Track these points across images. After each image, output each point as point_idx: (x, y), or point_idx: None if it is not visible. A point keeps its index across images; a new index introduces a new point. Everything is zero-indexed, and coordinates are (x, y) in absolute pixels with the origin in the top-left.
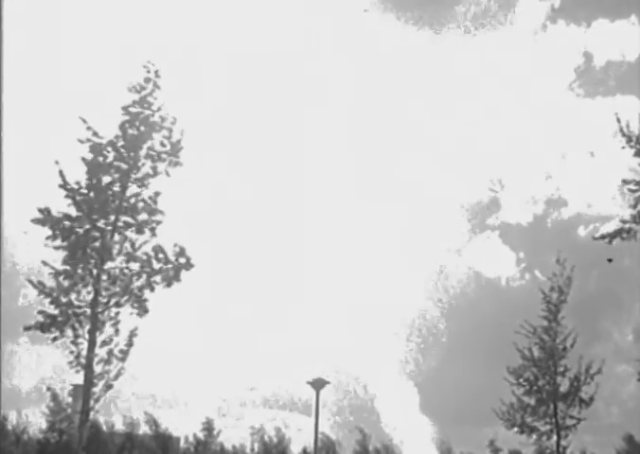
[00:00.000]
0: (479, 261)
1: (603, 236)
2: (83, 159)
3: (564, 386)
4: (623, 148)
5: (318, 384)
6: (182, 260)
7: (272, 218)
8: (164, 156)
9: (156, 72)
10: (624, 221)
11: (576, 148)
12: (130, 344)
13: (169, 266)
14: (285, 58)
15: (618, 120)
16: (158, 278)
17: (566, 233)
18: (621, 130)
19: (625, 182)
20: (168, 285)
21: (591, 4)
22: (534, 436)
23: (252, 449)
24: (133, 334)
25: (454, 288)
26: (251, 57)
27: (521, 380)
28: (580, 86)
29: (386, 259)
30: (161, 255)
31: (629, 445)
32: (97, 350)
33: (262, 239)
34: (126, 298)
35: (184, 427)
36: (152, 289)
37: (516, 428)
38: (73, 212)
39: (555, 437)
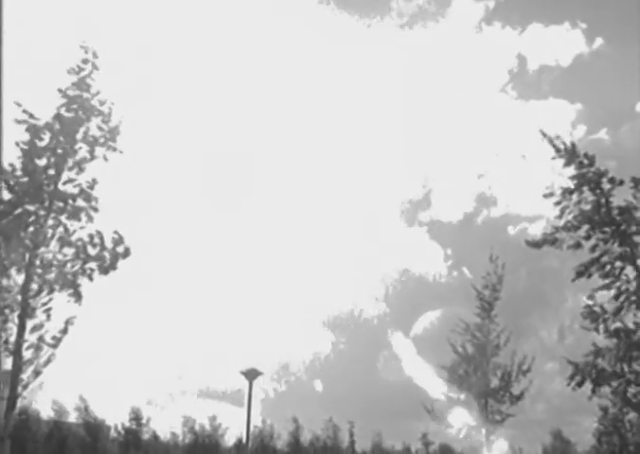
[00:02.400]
0: (408, 257)
1: (533, 243)
2: (17, 143)
3: (495, 382)
4: (553, 158)
5: (251, 375)
6: (119, 248)
7: (213, 211)
8: (101, 141)
9: (94, 53)
10: (554, 228)
11: (507, 148)
12: (64, 331)
13: (106, 253)
14: (218, 47)
15: (544, 134)
16: (94, 265)
17: (495, 231)
18: (551, 141)
19: (546, 195)
20: (105, 272)
21: (526, 8)
22: (463, 430)
23: (183, 439)
24: (69, 322)
25: (384, 283)
26: (197, 48)
27: (454, 377)
28: (514, 88)
29: (319, 255)
30: (97, 242)
31: (556, 440)
32: (26, 336)
33: (203, 231)
34: (60, 284)
35: (114, 416)
36: (90, 277)
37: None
38: (6, 196)
39: (483, 431)
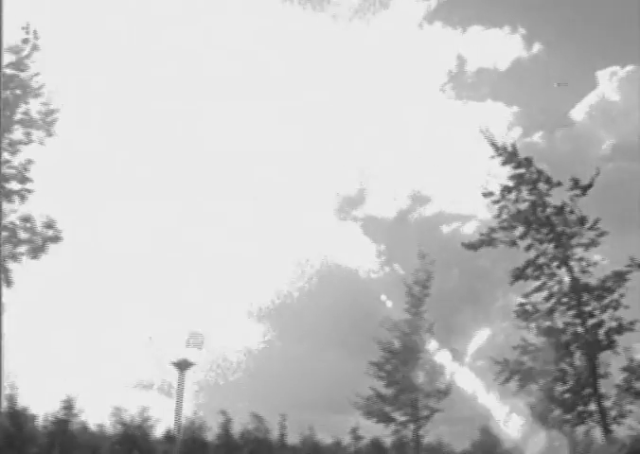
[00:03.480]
0: (341, 251)
1: (470, 245)
2: None
3: (423, 378)
4: (492, 157)
5: (183, 365)
6: (50, 232)
7: (145, 201)
8: (39, 124)
9: (35, 33)
10: (490, 230)
11: (444, 148)
12: None
13: (36, 237)
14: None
15: (485, 132)
16: (24, 249)
17: (429, 229)
18: (491, 141)
19: (486, 194)
20: (35, 257)
21: (467, 10)
22: (392, 426)
23: (113, 429)
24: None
25: (315, 277)
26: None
27: (381, 373)
28: (453, 88)
29: (253, 247)
30: (28, 225)
31: (484, 436)
32: None
33: (135, 218)
34: None
35: (43, 406)
36: (19, 261)
37: (375, 418)
38: None
39: (412, 426)
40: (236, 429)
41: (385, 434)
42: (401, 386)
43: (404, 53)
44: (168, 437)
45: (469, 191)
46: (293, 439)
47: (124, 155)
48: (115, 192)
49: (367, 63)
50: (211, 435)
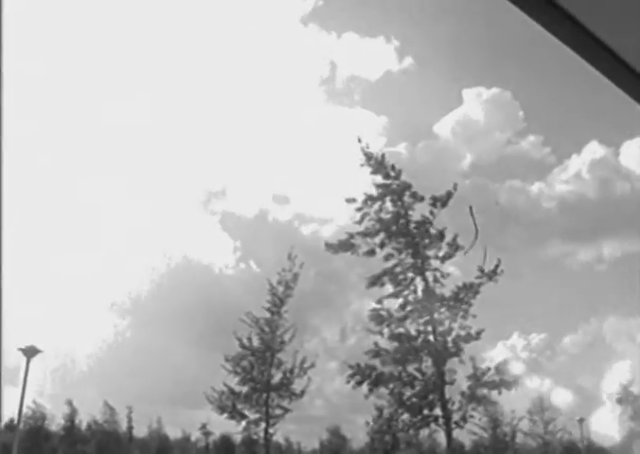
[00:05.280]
0: (199, 246)
1: (332, 246)
2: None
3: (278, 377)
4: (362, 165)
5: (30, 352)
6: None
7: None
8: None
9: None
10: (351, 235)
11: (309, 151)
12: None
13: None
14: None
15: (359, 140)
16: None
17: (287, 230)
18: (363, 149)
19: (349, 200)
20: None
21: (342, 15)
22: (243, 423)
23: None
24: None
25: (173, 271)
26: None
27: (237, 369)
28: (325, 93)
29: (111, 238)
30: None
31: (333, 436)
32: None
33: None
34: None
35: None
36: None
37: (226, 414)
38: None
39: (263, 425)
40: (85, 421)
41: (236, 431)
42: (256, 384)
43: (277, 52)
44: (10, 427)
45: (330, 195)
46: (141, 431)
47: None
48: None
49: (241, 55)
50: (56, 425)
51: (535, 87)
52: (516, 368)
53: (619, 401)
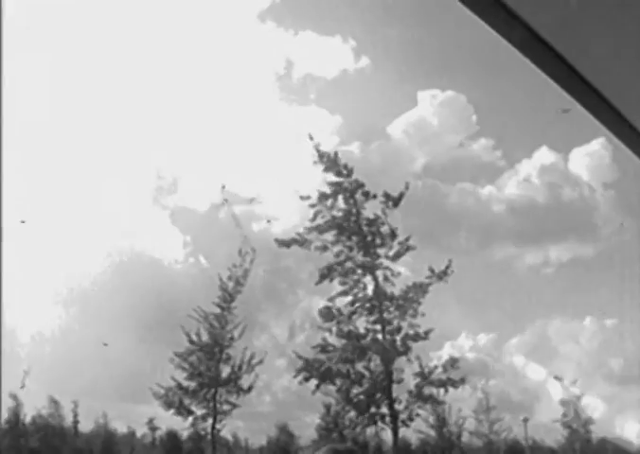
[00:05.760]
0: (148, 239)
1: (283, 242)
2: None
3: (225, 373)
4: (315, 162)
5: None
6: None
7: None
8: None
9: None
10: (304, 231)
11: (261, 147)
12: None
13: None
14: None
15: (311, 138)
16: None
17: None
18: (316, 147)
19: (303, 198)
20: None
21: (301, 13)
22: (190, 418)
23: None
24: None
25: (121, 263)
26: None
27: (185, 364)
28: (281, 90)
29: (60, 228)
30: None
31: (281, 433)
32: None
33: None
34: None
35: None
36: None
37: (173, 410)
38: None
39: (211, 420)
40: (30, 415)
41: (183, 427)
42: (204, 379)
43: (232, 47)
44: None
45: (281, 191)
46: (86, 426)
47: None
48: None
49: (196, 48)
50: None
51: (489, 91)
52: (463, 367)
53: (562, 402)
